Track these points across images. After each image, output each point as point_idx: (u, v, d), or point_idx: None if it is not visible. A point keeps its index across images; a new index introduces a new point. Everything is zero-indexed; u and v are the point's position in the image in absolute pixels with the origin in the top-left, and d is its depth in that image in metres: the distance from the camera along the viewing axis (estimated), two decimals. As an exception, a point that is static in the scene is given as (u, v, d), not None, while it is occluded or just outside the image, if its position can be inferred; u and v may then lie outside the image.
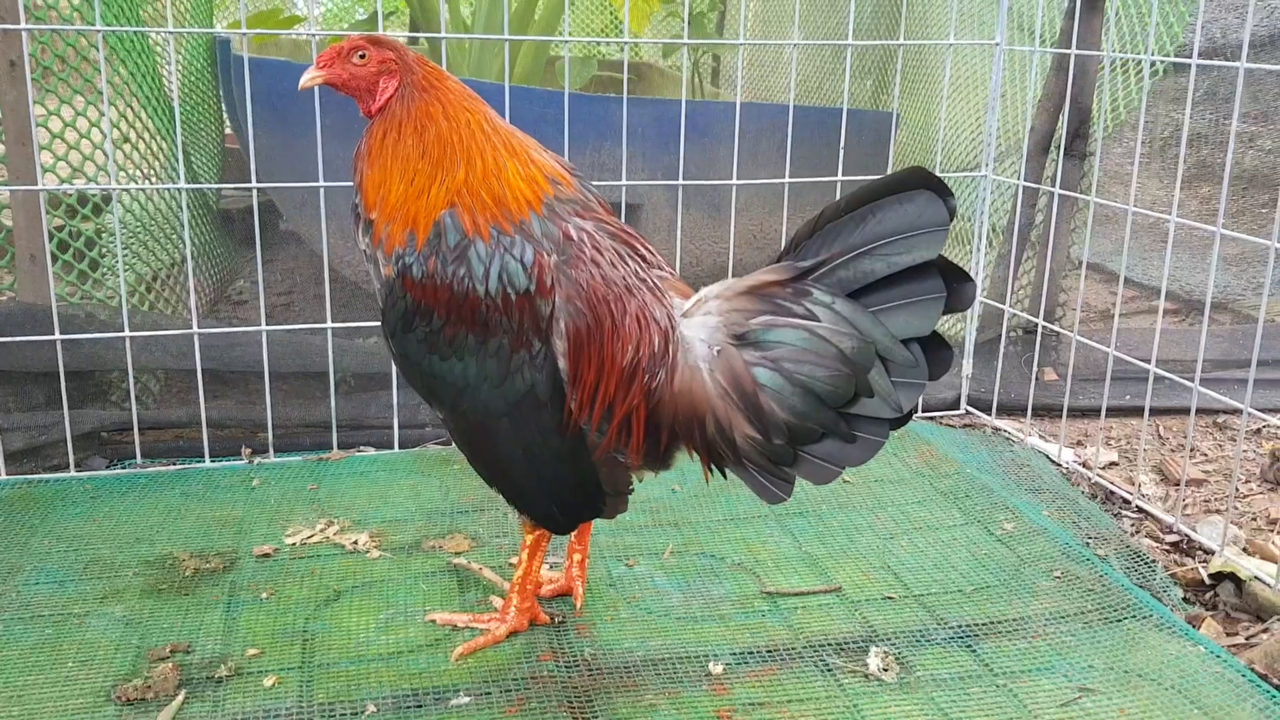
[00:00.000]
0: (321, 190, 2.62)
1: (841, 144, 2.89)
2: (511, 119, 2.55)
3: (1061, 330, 3.39)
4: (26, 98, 2.47)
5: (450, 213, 1.74)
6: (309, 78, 1.84)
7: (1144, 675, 1.89)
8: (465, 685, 1.86)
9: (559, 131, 2.71)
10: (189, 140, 3.79)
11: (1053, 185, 3.17)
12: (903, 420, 1.66)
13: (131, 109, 3.21)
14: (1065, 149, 3.21)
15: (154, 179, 3.34)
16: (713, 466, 1.78)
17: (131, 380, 2.61)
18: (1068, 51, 2.93)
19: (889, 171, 3.35)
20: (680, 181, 2.78)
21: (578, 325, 1.73)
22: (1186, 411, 2.61)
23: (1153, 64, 3.25)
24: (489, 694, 1.84)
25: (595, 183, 1.95)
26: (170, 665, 1.89)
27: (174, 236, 3.37)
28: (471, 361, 1.74)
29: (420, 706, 1.80)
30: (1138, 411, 3.20)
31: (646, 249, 1.86)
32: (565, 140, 2.70)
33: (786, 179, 2.86)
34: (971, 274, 3.16)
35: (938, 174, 3.05)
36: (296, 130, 3.15)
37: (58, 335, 2.53)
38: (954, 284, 1.63)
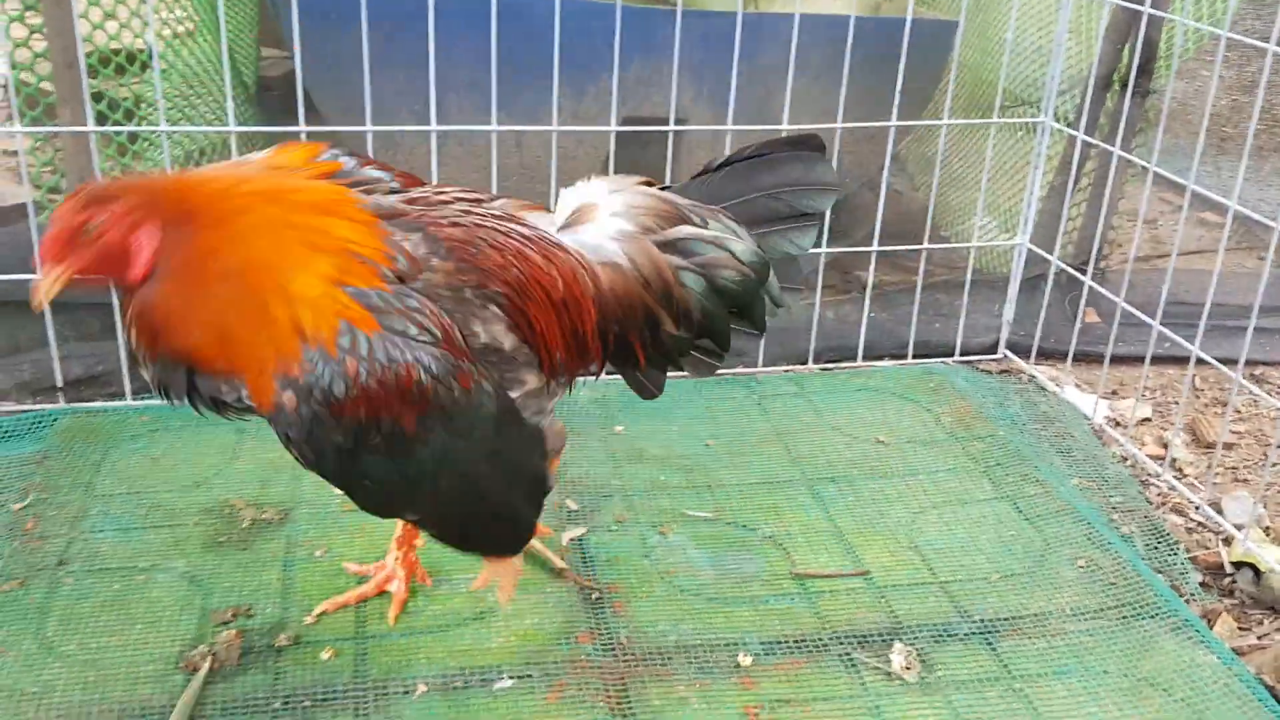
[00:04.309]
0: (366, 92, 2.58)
1: (898, 88, 2.82)
2: (562, 33, 2.50)
3: (1110, 268, 3.36)
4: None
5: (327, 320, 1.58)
6: (48, 289, 1.54)
7: (1155, 685, 1.98)
8: (508, 666, 1.97)
9: (608, 46, 2.65)
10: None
11: (1111, 124, 3.08)
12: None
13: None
14: (1131, 87, 3.11)
15: (190, 44, 3.28)
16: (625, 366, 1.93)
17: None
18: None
19: (948, 104, 3.26)
20: (730, 127, 2.73)
21: (504, 295, 1.72)
22: (1227, 361, 2.58)
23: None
24: (530, 676, 1.95)
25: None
26: (234, 632, 2.01)
27: (219, 109, 3.28)
28: (438, 432, 1.64)
29: (467, 687, 1.92)
30: (1177, 360, 3.21)
31: (464, 191, 1.82)
32: (615, 57, 2.65)
33: (839, 124, 2.80)
34: (1022, 217, 3.13)
35: (998, 107, 3.02)
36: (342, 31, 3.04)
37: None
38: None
